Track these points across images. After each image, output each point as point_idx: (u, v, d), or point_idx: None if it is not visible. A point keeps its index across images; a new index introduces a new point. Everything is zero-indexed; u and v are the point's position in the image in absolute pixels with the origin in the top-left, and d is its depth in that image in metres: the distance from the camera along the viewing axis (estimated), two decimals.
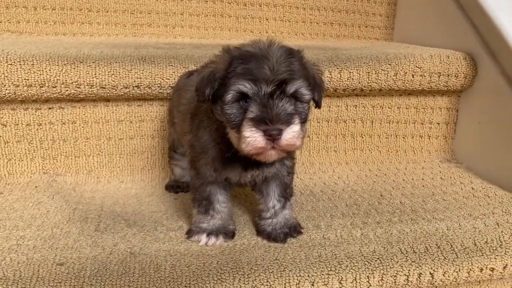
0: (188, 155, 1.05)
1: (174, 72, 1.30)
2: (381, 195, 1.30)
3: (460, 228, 1.11)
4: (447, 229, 1.10)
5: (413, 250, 1.01)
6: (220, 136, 0.93)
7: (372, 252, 0.99)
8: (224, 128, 0.90)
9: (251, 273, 0.90)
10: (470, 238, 1.06)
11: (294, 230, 1.05)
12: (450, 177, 1.45)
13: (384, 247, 1.01)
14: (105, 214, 1.14)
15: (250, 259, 0.95)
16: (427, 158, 1.60)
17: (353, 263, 0.95)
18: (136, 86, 1.29)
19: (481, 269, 1.00)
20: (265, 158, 0.85)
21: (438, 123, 1.60)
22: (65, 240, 1.01)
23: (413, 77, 1.46)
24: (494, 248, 1.03)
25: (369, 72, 1.42)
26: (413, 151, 1.60)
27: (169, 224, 1.10)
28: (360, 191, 1.32)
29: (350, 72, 1.40)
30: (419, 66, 1.45)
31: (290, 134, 0.81)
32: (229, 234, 1.03)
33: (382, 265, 0.95)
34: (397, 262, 0.96)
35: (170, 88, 1.31)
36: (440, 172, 1.49)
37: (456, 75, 1.48)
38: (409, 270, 0.95)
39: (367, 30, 2.03)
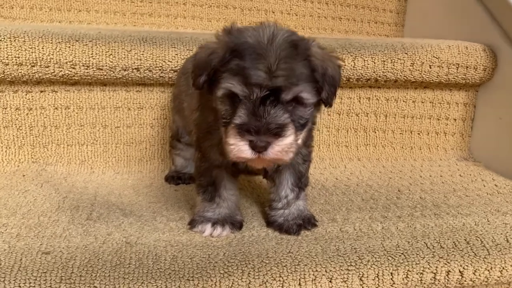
0: (193, 135, 0.96)
1: (177, 54, 1.21)
2: (399, 191, 1.20)
3: (489, 224, 1.01)
4: (475, 224, 1.00)
5: (440, 245, 0.91)
6: None
7: (395, 247, 0.89)
8: None
9: (262, 267, 0.80)
10: (501, 234, 0.96)
11: (308, 222, 0.95)
12: (470, 175, 1.35)
13: (409, 242, 0.91)
14: (99, 203, 1.03)
15: (261, 252, 0.85)
16: (443, 156, 1.50)
17: (375, 258, 0.85)
18: (135, 69, 1.20)
19: None
20: (252, 166, 0.80)
21: (455, 119, 1.51)
22: (53, 228, 0.90)
23: (430, 67, 1.37)
24: None
25: (384, 61, 1.33)
26: (429, 148, 1.50)
27: (169, 214, 1.00)
28: (376, 187, 1.23)
29: (364, 60, 1.31)
30: (437, 56, 1.37)
31: (279, 147, 0.72)
32: (236, 225, 0.93)
33: (407, 261, 0.85)
34: (423, 258, 0.86)
35: (172, 71, 1.22)
36: (459, 170, 1.39)
37: (475, 67, 1.40)
38: (436, 267, 0.85)
39: (377, 26, 1.95)
